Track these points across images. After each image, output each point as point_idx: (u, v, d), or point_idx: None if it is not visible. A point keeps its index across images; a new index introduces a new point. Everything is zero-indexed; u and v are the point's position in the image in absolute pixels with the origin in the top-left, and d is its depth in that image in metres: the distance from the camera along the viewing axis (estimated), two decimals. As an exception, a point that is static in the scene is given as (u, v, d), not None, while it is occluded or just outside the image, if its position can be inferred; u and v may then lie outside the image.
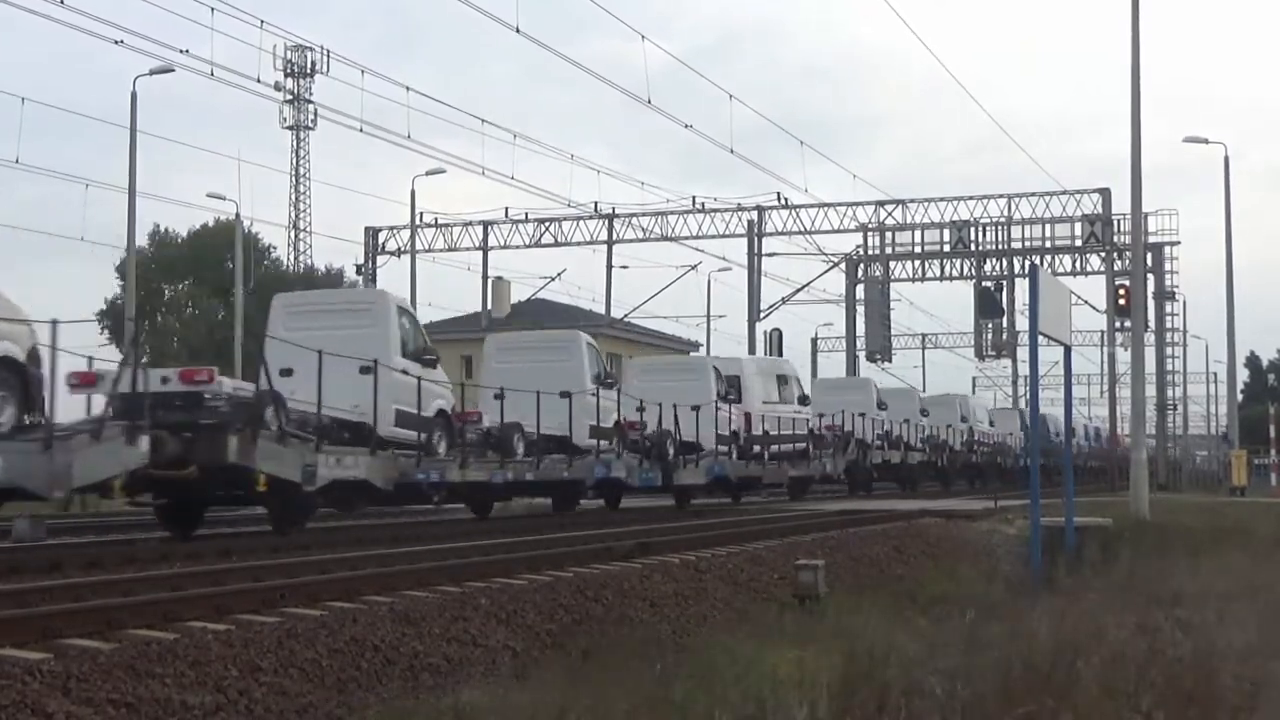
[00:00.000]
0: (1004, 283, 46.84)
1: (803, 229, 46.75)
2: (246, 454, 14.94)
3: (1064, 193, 45.35)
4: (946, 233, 46.49)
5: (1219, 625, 9.10)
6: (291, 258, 65.44)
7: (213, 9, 26.14)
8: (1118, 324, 44.46)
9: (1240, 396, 59.75)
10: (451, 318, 50.27)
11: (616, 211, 46.38)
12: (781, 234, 47.37)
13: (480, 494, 21.51)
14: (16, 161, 33.77)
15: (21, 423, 12.83)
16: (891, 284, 50.76)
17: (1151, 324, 42.44)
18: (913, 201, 47.14)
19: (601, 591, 11.24)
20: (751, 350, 45.68)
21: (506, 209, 46.87)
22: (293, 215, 63.74)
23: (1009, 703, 6.50)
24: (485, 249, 47.99)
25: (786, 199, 45.76)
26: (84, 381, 14.36)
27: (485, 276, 47.82)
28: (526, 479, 21.72)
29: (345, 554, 13.37)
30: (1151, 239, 42.58)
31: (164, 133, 52.15)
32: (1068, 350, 15.65)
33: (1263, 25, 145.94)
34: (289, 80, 55.11)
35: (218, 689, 7.15)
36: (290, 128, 61.49)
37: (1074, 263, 46.27)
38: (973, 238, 46.30)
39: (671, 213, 46.17)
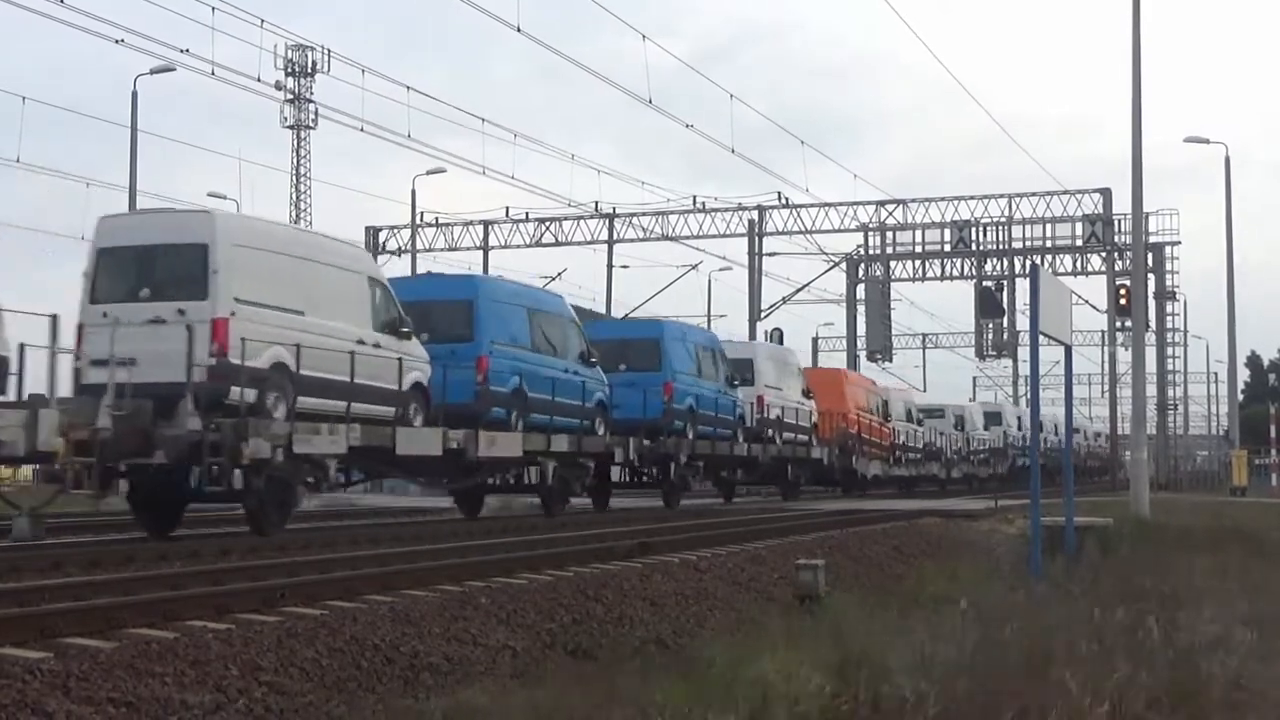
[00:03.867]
0: (1004, 282, 46.84)
1: (803, 229, 46.85)
2: None
3: (1065, 193, 45.42)
4: (947, 232, 46.55)
5: (1217, 625, 9.10)
6: (292, 257, 65.31)
7: (213, 8, 26.20)
8: (1118, 324, 44.51)
9: (1241, 396, 59.80)
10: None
11: (617, 211, 46.44)
12: (782, 234, 47.48)
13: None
14: (17, 161, 33.87)
15: None
16: (892, 284, 50.76)
17: (1152, 324, 42.46)
18: (913, 201, 47.24)
19: (601, 591, 11.24)
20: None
21: (507, 208, 46.99)
22: (293, 215, 63.64)
23: (1007, 704, 6.50)
24: (486, 248, 48.03)
25: (787, 199, 45.85)
26: None
27: (486, 276, 47.82)
28: None
29: (345, 554, 13.38)
30: (1152, 239, 42.62)
31: (165, 132, 52.20)
32: (1068, 350, 15.64)
33: (1266, 26, 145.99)
34: (289, 80, 55.06)
35: (218, 688, 7.15)
36: (291, 127, 61.39)
37: (1075, 263, 46.33)
38: (973, 237, 46.34)
39: (672, 212, 46.26)
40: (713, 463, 28.10)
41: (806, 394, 32.82)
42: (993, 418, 53.52)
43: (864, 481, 36.81)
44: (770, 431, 29.95)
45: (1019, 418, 55.01)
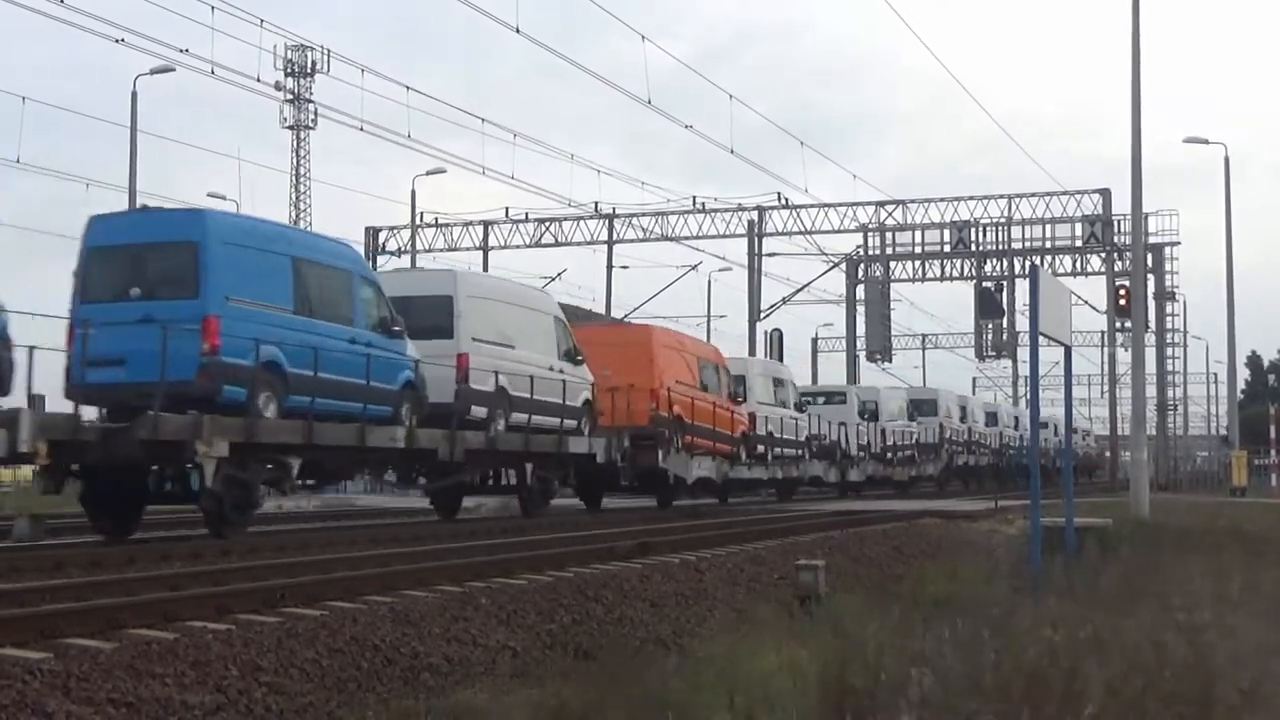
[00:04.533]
0: (1004, 283, 46.94)
1: (803, 229, 46.91)
2: None
3: (1064, 193, 45.51)
4: (947, 233, 46.65)
5: (1217, 626, 9.10)
6: (292, 257, 65.44)
7: (213, 8, 26.15)
8: (1118, 324, 44.58)
9: (1241, 396, 59.82)
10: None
11: (617, 211, 46.48)
12: (782, 234, 47.56)
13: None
14: (17, 161, 33.81)
15: None
16: (892, 284, 50.86)
17: (1152, 324, 42.50)
18: (913, 202, 47.33)
19: (601, 591, 11.25)
20: (752, 355, 45.47)
21: (507, 209, 47.06)
22: (293, 215, 63.68)
23: (1006, 705, 6.51)
24: (485, 249, 48.07)
25: (787, 199, 45.89)
26: None
27: (485, 277, 47.85)
28: None
29: (345, 554, 13.38)
30: (1152, 239, 42.70)
31: (165, 132, 52.24)
32: (1068, 351, 15.61)
33: (1267, 27, 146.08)
34: (289, 80, 55.15)
35: (218, 689, 7.15)
36: (290, 127, 61.44)
37: (1074, 263, 46.44)
38: (973, 238, 46.44)
39: (672, 213, 46.31)
40: (321, 460, 16.71)
41: (574, 358, 22.37)
42: (923, 406, 43.97)
43: (680, 486, 26.19)
44: (486, 411, 19.55)
45: (964, 407, 48.38)
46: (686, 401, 25.64)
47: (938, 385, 52.53)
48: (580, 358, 22.60)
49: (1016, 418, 54.89)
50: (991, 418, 51.60)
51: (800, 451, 32.83)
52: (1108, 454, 61.96)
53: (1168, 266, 46.51)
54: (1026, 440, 51.92)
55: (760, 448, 30.14)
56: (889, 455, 39.33)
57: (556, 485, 22.39)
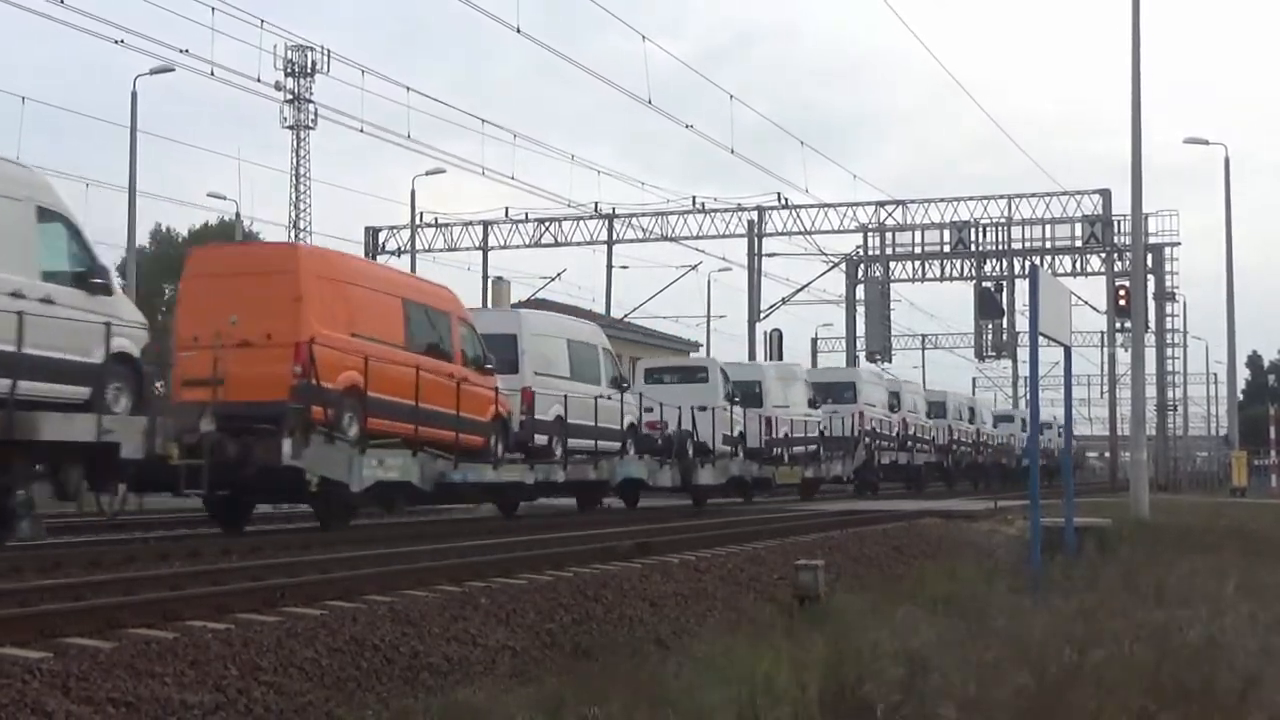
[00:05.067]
0: (1004, 283, 46.94)
1: (803, 229, 46.92)
2: None
3: (1064, 193, 45.54)
4: (947, 233, 46.66)
5: (1217, 625, 9.11)
6: (292, 257, 65.48)
7: (213, 9, 26.25)
8: (1118, 325, 44.58)
9: (1241, 396, 59.86)
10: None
11: (617, 211, 46.49)
12: (782, 234, 47.56)
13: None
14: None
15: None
16: (891, 284, 50.84)
17: (1151, 324, 42.50)
18: (913, 202, 47.35)
19: (601, 591, 11.25)
20: (752, 354, 45.50)
21: (507, 209, 47.11)
22: (293, 215, 63.70)
23: (1006, 704, 6.51)
24: (485, 249, 48.10)
25: (787, 199, 45.92)
26: None
27: (485, 276, 47.95)
28: None
29: (345, 554, 13.38)
30: (1152, 240, 42.71)
31: (164, 132, 52.18)
32: (1068, 351, 15.61)
33: (1268, 26, 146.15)
34: (289, 80, 55.15)
35: (218, 688, 7.15)
36: (290, 127, 61.44)
37: (1074, 263, 46.45)
38: (973, 238, 46.44)
39: (672, 213, 46.32)
40: None
41: (89, 282, 13.56)
42: (836, 391, 36.75)
43: (340, 498, 16.75)
44: None
45: (896, 393, 41.79)
46: (360, 362, 16.84)
47: (907, 374, 50.15)
48: (101, 281, 13.82)
49: (972, 409, 52.37)
50: (938, 408, 46.42)
51: (619, 445, 24.25)
52: (1107, 454, 61.88)
53: (1167, 267, 46.55)
54: (985, 434, 51.58)
55: (548, 438, 21.83)
56: (776, 451, 31.24)
57: (22, 497, 13.14)
